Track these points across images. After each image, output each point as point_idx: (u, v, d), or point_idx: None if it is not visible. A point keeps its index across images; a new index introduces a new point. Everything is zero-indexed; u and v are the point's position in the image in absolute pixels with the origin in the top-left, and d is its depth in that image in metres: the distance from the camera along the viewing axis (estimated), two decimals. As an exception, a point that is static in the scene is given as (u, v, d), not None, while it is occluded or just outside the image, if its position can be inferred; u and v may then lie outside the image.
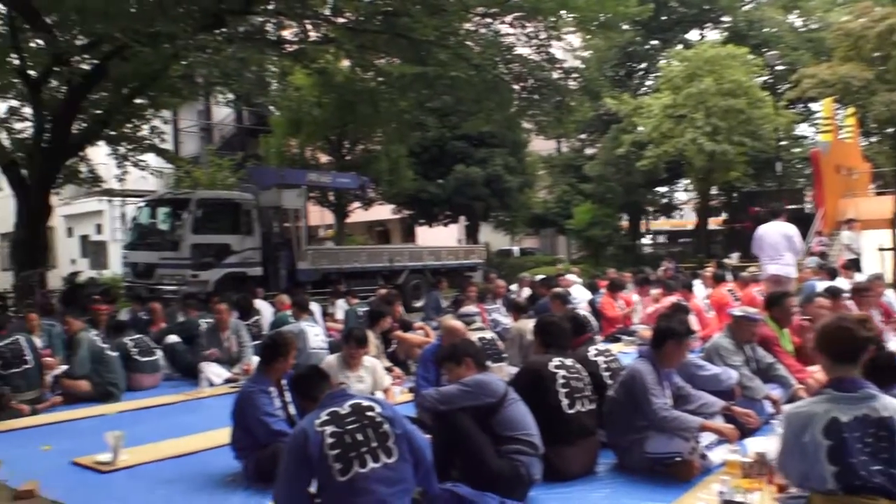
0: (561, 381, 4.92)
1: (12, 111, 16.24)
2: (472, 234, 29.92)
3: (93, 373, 8.21)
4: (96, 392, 8.14)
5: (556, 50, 17.22)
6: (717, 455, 4.83)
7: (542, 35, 16.24)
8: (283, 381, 5.28)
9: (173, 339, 9.89)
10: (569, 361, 5.13)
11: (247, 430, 5.13)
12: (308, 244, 18.18)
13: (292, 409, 5.25)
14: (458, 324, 6.69)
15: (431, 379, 6.12)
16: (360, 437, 3.68)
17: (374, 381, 6.69)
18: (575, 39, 20.60)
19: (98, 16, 12.20)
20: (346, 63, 17.83)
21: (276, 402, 5.22)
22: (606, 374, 5.50)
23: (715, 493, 4.25)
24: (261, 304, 11.69)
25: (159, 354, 9.30)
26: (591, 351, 5.71)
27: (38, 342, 8.74)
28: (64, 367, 8.55)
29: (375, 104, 17.92)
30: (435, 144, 26.95)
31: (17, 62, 14.82)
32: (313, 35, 16.55)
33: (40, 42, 14.39)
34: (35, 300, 13.04)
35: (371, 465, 3.63)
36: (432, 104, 19.74)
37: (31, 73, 14.96)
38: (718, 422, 5.05)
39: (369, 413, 3.80)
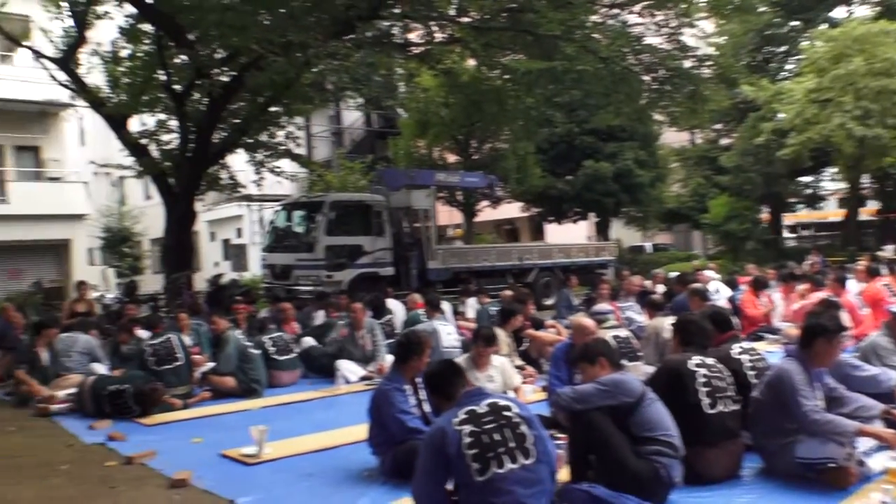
0: (701, 379, 4.72)
1: (160, 124, 17.20)
2: (602, 230, 29.41)
3: (238, 370, 8.57)
4: (241, 388, 8.50)
5: (688, 37, 16.61)
6: (877, 462, 4.51)
7: (673, 23, 15.72)
8: (418, 379, 5.32)
9: (309, 341, 10.19)
10: (710, 360, 4.92)
11: (383, 426, 5.21)
12: (438, 244, 18.35)
13: (427, 407, 5.30)
14: (588, 322, 6.55)
15: (563, 378, 6.03)
16: (497, 437, 3.66)
17: (504, 381, 6.64)
18: (708, 25, 19.81)
19: (235, 30, 12.74)
20: (471, 62, 17.88)
21: (411, 400, 5.28)
22: (751, 373, 5.22)
23: (875, 502, 3.96)
24: (393, 304, 11.87)
25: (297, 352, 9.60)
26: (735, 349, 5.44)
27: (188, 340, 9.22)
28: (211, 364, 8.98)
29: (502, 102, 17.86)
30: (563, 140, 26.65)
31: (163, 78, 15.71)
32: (439, 36, 16.68)
33: (184, 58, 15.16)
34: (183, 301, 13.74)
35: (509, 465, 3.61)
36: (559, 99, 19.52)
37: (176, 87, 15.82)
38: (878, 426, 4.71)
39: (507, 413, 3.77)
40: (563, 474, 4.33)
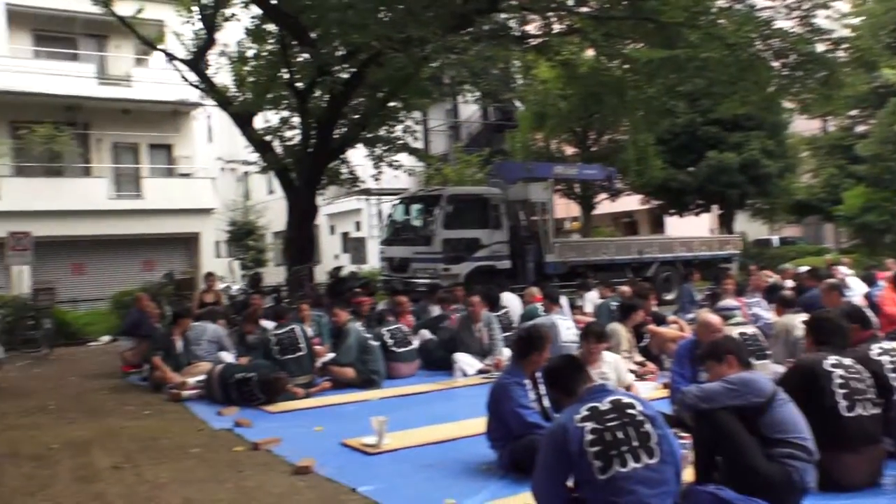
0: (838, 380, 4.45)
1: (283, 121, 17.71)
2: (726, 223, 28.36)
3: (357, 361, 8.74)
4: (360, 379, 8.66)
5: (822, 20, 15.71)
6: None
7: (806, 4, 14.90)
8: (538, 374, 5.25)
9: (426, 334, 10.27)
10: (847, 360, 4.63)
11: (502, 420, 5.18)
12: (555, 237, 18.16)
13: (546, 402, 5.23)
14: (714, 318, 6.30)
15: (687, 375, 5.83)
16: (620, 435, 3.56)
17: (617, 378, 6.49)
18: (843, 5, 18.70)
19: (356, 27, 12.95)
20: (590, 53, 17.55)
21: (531, 395, 5.22)
22: (893, 375, 4.88)
23: None
24: (509, 297, 11.80)
25: (415, 344, 9.69)
26: (874, 350, 5.08)
27: (310, 331, 9.46)
28: (331, 355, 9.18)
29: (622, 93, 17.44)
30: (685, 131, 25.83)
31: (286, 76, 16.19)
32: (557, 27, 16.44)
33: (306, 56, 15.56)
34: (305, 292, 14.13)
35: (632, 464, 3.50)
36: (682, 89, 18.85)
37: (299, 85, 16.24)
38: None
39: (630, 411, 3.67)
40: (688, 475, 4.17)
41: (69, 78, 22.10)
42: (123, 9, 16.44)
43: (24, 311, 14.52)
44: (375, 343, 8.98)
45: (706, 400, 4.23)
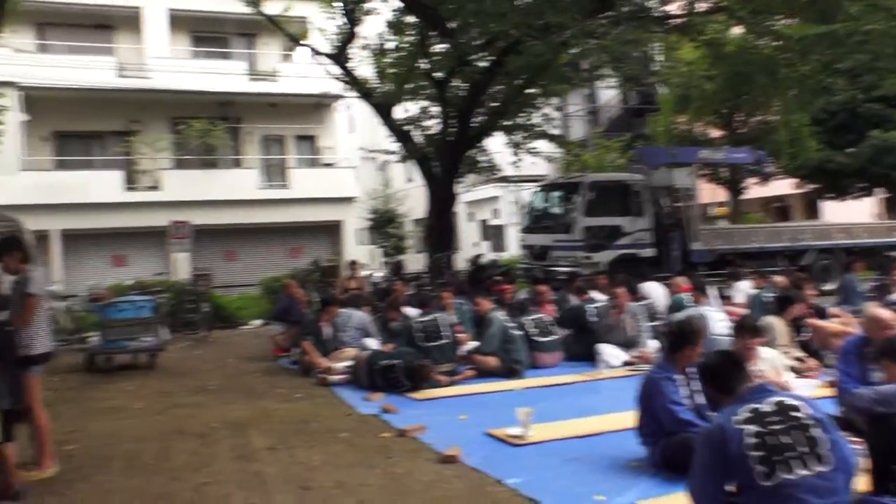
0: None
1: (423, 111, 17.96)
2: (893, 208, 26.43)
3: (500, 350, 8.72)
4: (503, 368, 8.64)
5: None
6: None
7: None
8: (689, 369, 5.05)
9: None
10: None
11: (652, 416, 5.02)
12: (701, 224, 17.51)
13: (699, 399, 5.01)
14: (885, 313, 5.83)
15: (854, 375, 5.42)
16: (785, 439, 3.33)
17: (775, 375, 6.14)
18: None
19: (494, 16, 12.92)
20: (737, 31, 16.73)
21: (683, 391, 5.03)
22: None
23: None
24: (653, 287, 11.44)
25: (559, 334, 9.56)
26: None
27: (453, 319, 9.52)
28: (474, 344, 9.20)
29: (772, 71, 16.51)
30: (844, 109, 24.18)
31: (425, 66, 16.37)
32: (701, 6, 15.78)
33: (444, 46, 15.67)
34: (446, 280, 14.26)
35: (800, 471, 3.27)
36: (841, 65, 17.69)
37: (437, 74, 16.40)
38: None
39: (796, 413, 3.43)
40: (861, 484, 3.88)
41: (222, 75, 23.27)
42: (271, 8, 17.09)
43: (185, 296, 15.41)
44: (518, 332, 8.93)
45: (883, 403, 3.92)
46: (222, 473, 5.49)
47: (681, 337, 5.12)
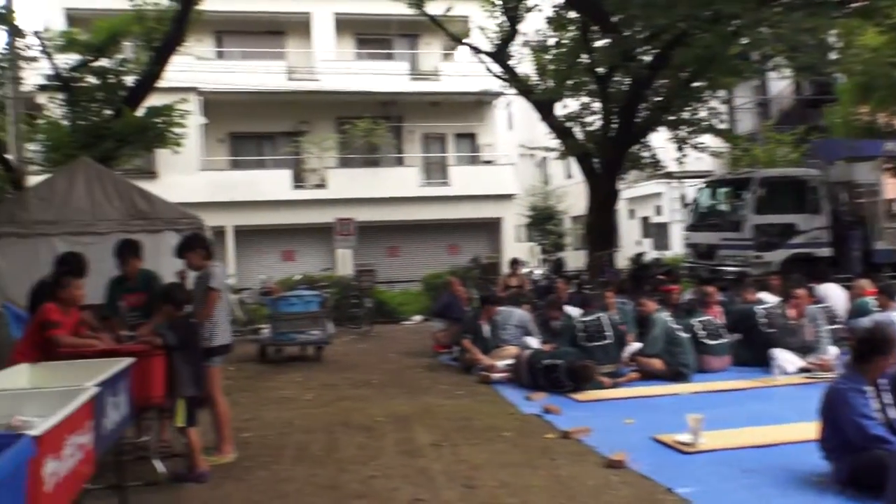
0: None
1: (584, 107, 17.72)
2: None
3: (665, 352, 8.47)
4: (668, 371, 8.39)
5: None
6: None
7: None
8: (881, 381, 4.69)
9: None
10: None
11: (838, 429, 4.70)
12: (886, 221, 16.22)
13: (892, 413, 4.66)
14: None
15: None
16: None
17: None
18: None
19: (660, 8, 12.53)
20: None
21: (873, 404, 4.67)
22: None
23: None
24: (831, 289, 10.74)
25: (728, 337, 9.16)
26: None
27: (616, 318, 9.33)
28: (637, 345, 8.99)
29: (970, 56, 15.12)
30: None
31: (587, 62, 16.14)
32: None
33: (606, 41, 15.37)
34: (607, 278, 14.01)
35: None
36: None
37: (599, 70, 16.12)
38: None
39: None
40: None
41: (385, 76, 23.95)
42: (434, 8, 17.39)
43: (349, 291, 16.00)
44: (685, 335, 8.63)
45: None
46: (389, 467, 5.64)
47: (871, 345, 4.74)
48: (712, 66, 15.14)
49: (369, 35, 26.80)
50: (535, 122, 21.44)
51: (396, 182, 24.35)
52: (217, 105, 23.45)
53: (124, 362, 4.62)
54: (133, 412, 4.91)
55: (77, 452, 3.45)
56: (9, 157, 12.01)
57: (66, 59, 12.94)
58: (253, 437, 6.68)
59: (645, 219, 30.99)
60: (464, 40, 19.05)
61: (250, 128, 24.96)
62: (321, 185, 24.30)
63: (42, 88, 13.92)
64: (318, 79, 24.57)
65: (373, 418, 7.28)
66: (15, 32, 11.81)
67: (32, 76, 13.63)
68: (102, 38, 12.78)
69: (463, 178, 25.21)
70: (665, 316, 8.86)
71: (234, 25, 25.07)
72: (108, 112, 12.71)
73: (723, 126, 19.42)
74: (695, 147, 18.03)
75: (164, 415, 5.74)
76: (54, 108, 13.57)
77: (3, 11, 11.11)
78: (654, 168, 18.98)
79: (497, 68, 17.46)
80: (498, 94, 24.18)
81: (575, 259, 25.77)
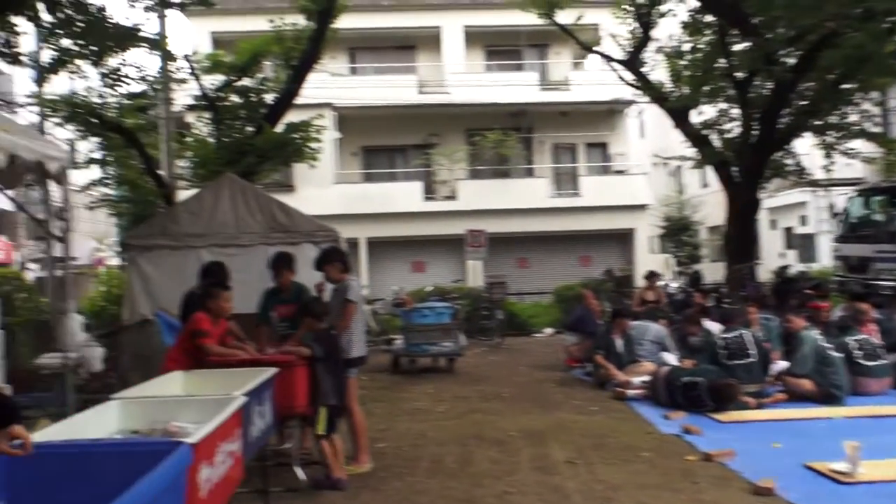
0: None
1: (721, 113, 17.05)
2: None
3: (815, 372, 7.98)
4: (819, 393, 7.91)
5: None
6: None
7: None
8: None
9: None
10: None
11: None
12: None
13: None
14: None
15: None
16: None
17: None
18: None
19: (806, 8, 11.92)
20: None
21: None
22: None
23: None
24: None
25: (888, 358, 8.51)
26: None
27: (759, 336, 8.85)
28: (783, 364, 8.50)
29: None
30: None
31: (725, 67, 15.53)
32: None
33: (746, 45, 14.75)
34: (748, 293, 13.37)
35: None
36: None
37: (738, 74, 15.48)
38: None
39: None
40: None
41: (515, 87, 23.92)
42: (563, 17, 17.21)
43: (480, 303, 16.00)
44: (837, 354, 8.08)
45: None
46: (524, 484, 5.55)
47: None
48: (864, 66, 14.24)
49: (499, 46, 26.84)
50: (668, 130, 20.84)
51: (526, 193, 24.24)
52: (350, 119, 24.09)
53: (269, 372, 4.76)
54: (276, 420, 5.05)
55: (228, 459, 3.56)
56: (161, 173, 12.78)
57: (213, 80, 13.59)
58: (388, 448, 6.74)
59: (788, 229, 29.47)
60: (594, 49, 18.78)
61: (382, 141, 25.48)
62: (451, 197, 24.51)
63: (190, 108, 14.76)
64: (448, 91, 24.84)
65: (505, 432, 7.20)
66: (167, 57, 12.54)
67: (182, 97, 14.48)
68: (245, 58, 13.36)
69: (594, 189, 24.80)
70: (815, 334, 8.33)
71: (367, 41, 25.68)
72: (250, 129, 13.28)
73: (876, 130, 18.23)
74: (844, 153, 17.01)
75: (305, 423, 5.88)
76: (201, 126, 14.30)
77: (157, 38, 11.79)
78: (799, 176, 18.04)
79: (629, 76, 17.11)
80: (629, 103, 23.65)
81: (712, 272, 24.78)
